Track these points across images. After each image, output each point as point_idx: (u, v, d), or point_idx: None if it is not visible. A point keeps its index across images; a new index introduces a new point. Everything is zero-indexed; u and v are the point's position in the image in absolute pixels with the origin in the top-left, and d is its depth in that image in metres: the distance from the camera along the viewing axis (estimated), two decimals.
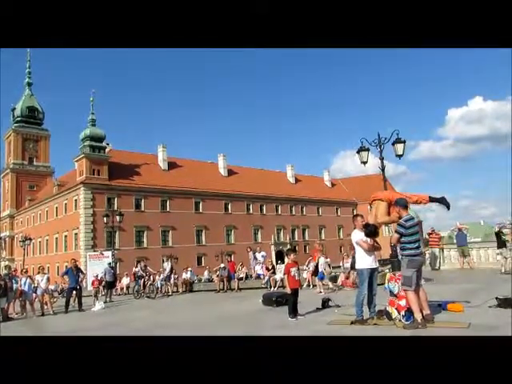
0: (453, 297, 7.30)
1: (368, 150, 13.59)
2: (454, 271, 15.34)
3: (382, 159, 13.51)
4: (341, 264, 16.68)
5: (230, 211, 51.18)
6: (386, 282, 6.25)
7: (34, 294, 13.31)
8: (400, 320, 5.64)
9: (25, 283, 12.70)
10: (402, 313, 5.65)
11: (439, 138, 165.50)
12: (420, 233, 6.21)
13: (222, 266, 17.00)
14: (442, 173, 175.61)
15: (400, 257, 6.48)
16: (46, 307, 13.05)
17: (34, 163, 62.04)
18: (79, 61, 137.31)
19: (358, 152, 13.70)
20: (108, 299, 16.39)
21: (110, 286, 17.55)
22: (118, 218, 26.88)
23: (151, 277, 18.55)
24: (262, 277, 16.08)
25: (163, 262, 18.72)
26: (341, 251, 44.77)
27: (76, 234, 41.85)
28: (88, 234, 40.15)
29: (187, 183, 47.98)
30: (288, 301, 7.63)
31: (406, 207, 5.79)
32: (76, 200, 42.42)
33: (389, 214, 6.13)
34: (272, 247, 53.14)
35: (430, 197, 6.28)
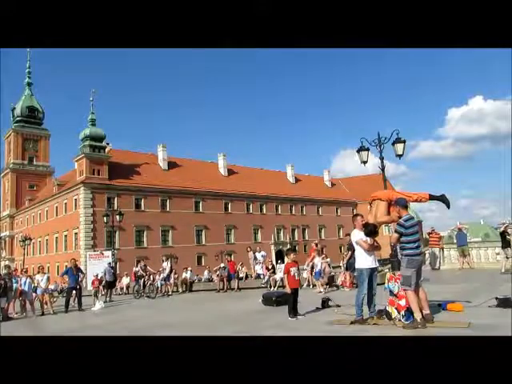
0: (453, 297, 7.30)
1: (368, 149, 13.57)
2: (454, 271, 15.35)
3: (382, 159, 13.50)
4: (341, 264, 16.70)
5: (229, 211, 51.16)
6: (386, 281, 6.25)
7: (33, 294, 13.31)
8: (400, 320, 5.64)
9: (25, 283, 12.69)
10: (402, 312, 5.66)
11: (439, 138, 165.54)
12: (420, 233, 6.22)
13: (222, 265, 16.99)
14: (442, 172, 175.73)
15: (400, 256, 6.48)
16: (45, 307, 13.05)
17: (34, 163, 62.02)
18: (79, 61, 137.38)
19: (357, 152, 13.69)
20: (108, 299, 16.40)
21: (110, 285, 17.55)
22: (117, 217, 26.86)
23: (151, 276, 18.55)
24: (261, 276, 16.10)
25: (163, 261, 18.69)
26: (341, 251, 44.70)
27: (76, 233, 41.84)
28: (88, 234, 40.13)
29: (187, 183, 47.97)
30: (288, 300, 7.64)
31: (405, 207, 5.80)
32: (76, 200, 42.40)
33: (389, 213, 6.12)
34: (272, 247, 53.15)
35: (429, 195, 6.28)
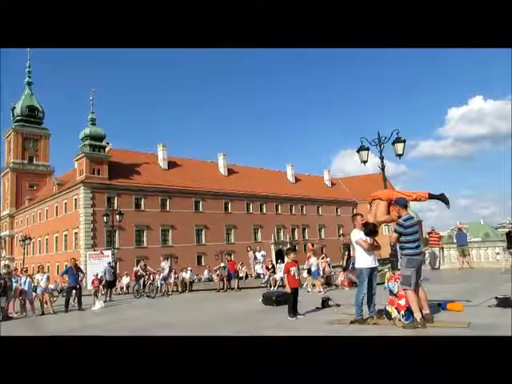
0: (453, 296, 7.30)
1: (368, 149, 13.58)
2: (454, 271, 15.35)
3: (381, 158, 13.51)
4: (340, 263, 16.70)
5: (229, 210, 51.15)
6: (386, 281, 6.25)
7: (33, 293, 13.31)
8: (400, 319, 5.65)
9: (25, 282, 12.69)
10: (402, 312, 5.66)
11: (439, 138, 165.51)
12: (420, 232, 6.22)
13: (222, 265, 17.00)
14: (442, 172, 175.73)
15: (399, 256, 6.49)
16: (45, 306, 13.06)
17: (34, 162, 61.97)
18: (79, 60, 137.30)
19: (358, 151, 13.69)
20: (108, 298, 16.41)
21: (110, 285, 17.56)
22: (117, 217, 26.85)
23: (151, 276, 18.56)
24: (261, 276, 16.11)
25: (161, 261, 18.68)
26: (341, 251, 44.71)
27: (76, 233, 41.84)
28: (88, 234, 40.13)
29: (187, 182, 47.95)
30: (288, 300, 7.64)
31: (405, 207, 5.80)
32: (76, 199, 42.40)
33: (388, 212, 6.13)
34: (272, 246, 53.14)
35: (429, 194, 6.29)
